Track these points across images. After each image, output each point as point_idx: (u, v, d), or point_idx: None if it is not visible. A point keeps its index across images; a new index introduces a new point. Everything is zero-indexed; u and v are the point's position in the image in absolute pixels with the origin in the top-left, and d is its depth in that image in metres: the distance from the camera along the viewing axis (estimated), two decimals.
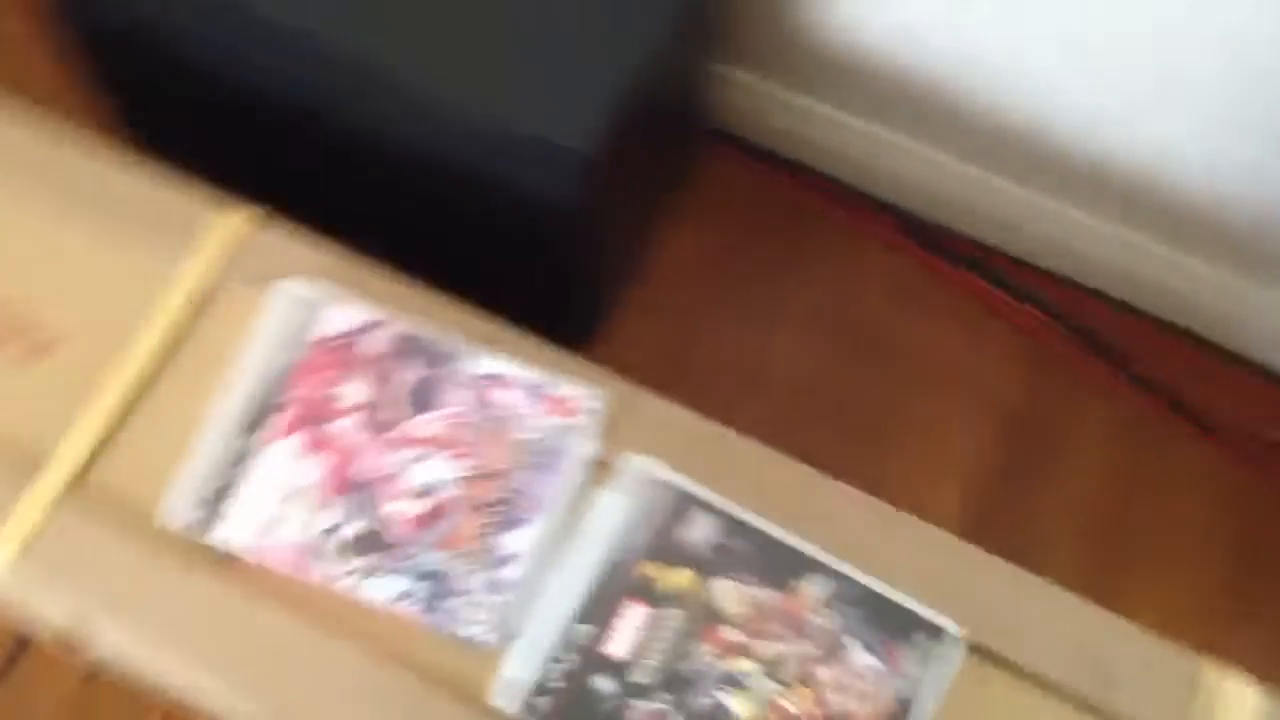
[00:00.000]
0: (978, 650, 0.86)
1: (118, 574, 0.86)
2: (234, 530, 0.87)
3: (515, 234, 1.14)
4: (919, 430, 1.31)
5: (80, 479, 0.89)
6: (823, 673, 0.84)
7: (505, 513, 0.87)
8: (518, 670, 0.84)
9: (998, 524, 1.25)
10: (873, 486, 0.92)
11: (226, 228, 0.96)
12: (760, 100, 1.39)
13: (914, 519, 0.91)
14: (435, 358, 0.92)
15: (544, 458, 0.89)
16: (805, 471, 0.92)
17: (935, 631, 0.86)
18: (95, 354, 0.92)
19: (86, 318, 0.94)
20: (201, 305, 0.94)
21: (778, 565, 0.87)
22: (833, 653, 0.85)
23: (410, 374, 0.91)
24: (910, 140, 1.35)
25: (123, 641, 0.90)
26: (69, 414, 0.90)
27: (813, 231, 1.41)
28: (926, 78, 1.26)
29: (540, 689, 0.83)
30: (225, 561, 0.87)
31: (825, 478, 0.92)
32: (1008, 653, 0.86)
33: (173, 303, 0.94)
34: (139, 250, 0.96)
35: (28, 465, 0.89)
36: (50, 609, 0.94)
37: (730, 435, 0.93)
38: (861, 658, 0.85)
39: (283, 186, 1.06)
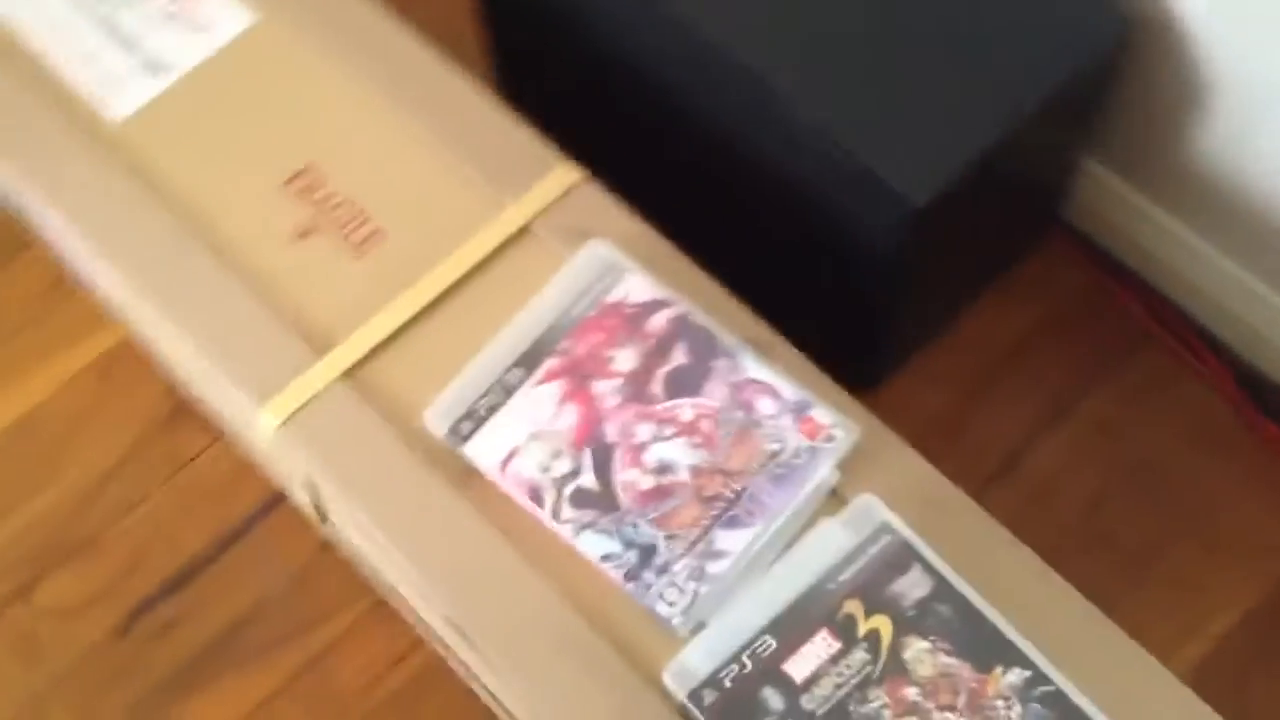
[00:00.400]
0: None
1: (369, 459, 0.93)
2: (481, 450, 0.92)
3: (828, 263, 1.15)
4: (1175, 573, 1.24)
5: (359, 368, 0.96)
6: None
7: (729, 511, 0.89)
8: (695, 659, 0.85)
9: (1232, 690, 1.18)
10: (1105, 609, 0.89)
11: (555, 179, 1.02)
12: (1125, 209, 1.35)
13: (1138, 647, 0.88)
14: (709, 350, 0.94)
15: (781, 470, 0.90)
16: (1038, 566, 0.90)
17: None
18: (407, 261, 0.99)
19: (409, 227, 1.01)
20: (512, 243, 1.00)
21: (978, 643, 0.85)
22: None
23: (681, 358, 0.94)
24: (1274, 293, 1.29)
25: (357, 520, 0.96)
26: (368, 307, 0.98)
27: (1131, 349, 1.36)
28: None
29: (711, 682, 0.84)
30: (466, 476, 0.92)
31: (1056, 577, 0.90)
32: None
33: (487, 234, 1.00)
34: (473, 180, 1.02)
35: (320, 342, 0.96)
36: (304, 476, 1.02)
37: (972, 506, 0.92)
38: None
39: (615, 153, 1.11)
